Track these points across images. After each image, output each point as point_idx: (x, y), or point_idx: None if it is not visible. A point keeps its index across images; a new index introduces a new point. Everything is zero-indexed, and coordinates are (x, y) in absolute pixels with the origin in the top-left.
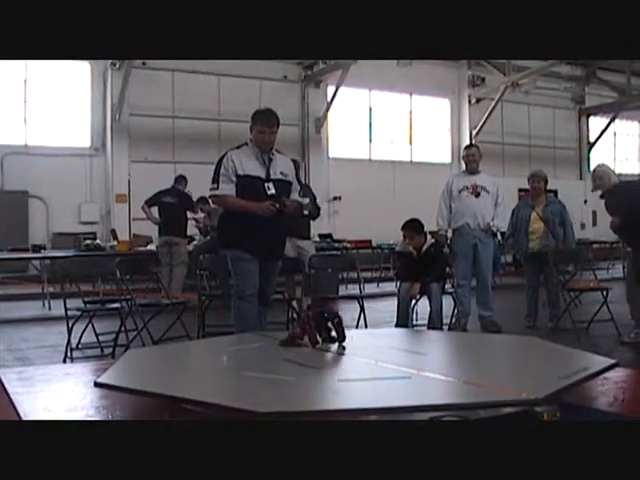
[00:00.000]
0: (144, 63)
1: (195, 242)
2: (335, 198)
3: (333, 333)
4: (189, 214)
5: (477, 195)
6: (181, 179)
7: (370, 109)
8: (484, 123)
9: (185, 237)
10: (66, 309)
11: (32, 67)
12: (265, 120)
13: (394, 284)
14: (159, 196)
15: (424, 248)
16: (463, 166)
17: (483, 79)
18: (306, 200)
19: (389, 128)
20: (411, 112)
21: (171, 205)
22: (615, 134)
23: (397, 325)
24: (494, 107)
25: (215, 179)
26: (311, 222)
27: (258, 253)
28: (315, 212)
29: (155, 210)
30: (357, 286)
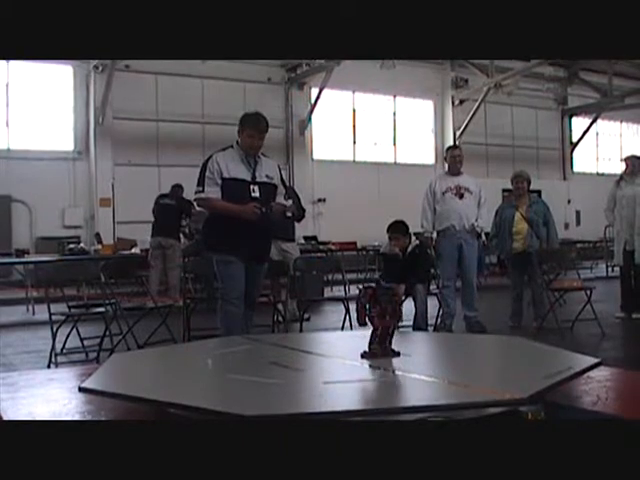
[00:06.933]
0: (127, 66)
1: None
2: (320, 200)
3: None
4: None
5: (461, 196)
6: (177, 187)
7: (354, 111)
8: (468, 124)
9: (179, 240)
10: (50, 314)
11: (14, 70)
12: (256, 124)
13: None
14: (158, 199)
15: (409, 249)
16: (446, 167)
17: (466, 80)
18: (289, 202)
19: (373, 130)
20: (395, 114)
21: (168, 206)
22: (597, 134)
23: None
24: (477, 108)
25: (200, 182)
26: (295, 224)
27: (244, 256)
28: (299, 214)
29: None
30: (342, 288)
